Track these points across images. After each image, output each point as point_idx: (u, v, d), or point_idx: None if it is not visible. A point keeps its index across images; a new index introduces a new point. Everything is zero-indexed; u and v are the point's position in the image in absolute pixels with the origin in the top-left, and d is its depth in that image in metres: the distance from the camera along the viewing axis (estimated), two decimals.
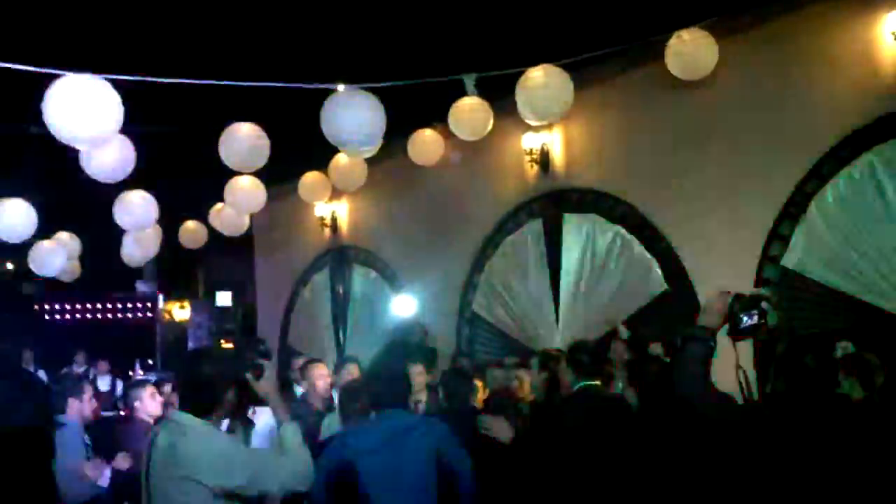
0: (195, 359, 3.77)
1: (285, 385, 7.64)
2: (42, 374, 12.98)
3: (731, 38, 7.38)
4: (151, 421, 5.77)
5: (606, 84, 8.58)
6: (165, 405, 6.21)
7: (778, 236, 7.33)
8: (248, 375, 3.49)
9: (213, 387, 3.44)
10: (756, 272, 7.40)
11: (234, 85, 6.28)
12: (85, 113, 5.49)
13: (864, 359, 4.98)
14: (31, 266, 10.71)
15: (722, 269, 7.48)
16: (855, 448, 3.14)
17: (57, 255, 10.76)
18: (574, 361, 5.44)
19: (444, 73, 7.05)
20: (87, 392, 5.72)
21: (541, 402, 6.38)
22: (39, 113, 5.61)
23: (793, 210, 7.25)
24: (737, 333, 3.54)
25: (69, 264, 11.47)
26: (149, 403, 5.84)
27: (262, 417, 5.23)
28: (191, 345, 14.47)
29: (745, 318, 3.50)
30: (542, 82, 6.95)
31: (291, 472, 3.42)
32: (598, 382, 5.50)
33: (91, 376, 13.60)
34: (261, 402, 3.74)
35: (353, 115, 6.28)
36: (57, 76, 5.56)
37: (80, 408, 5.58)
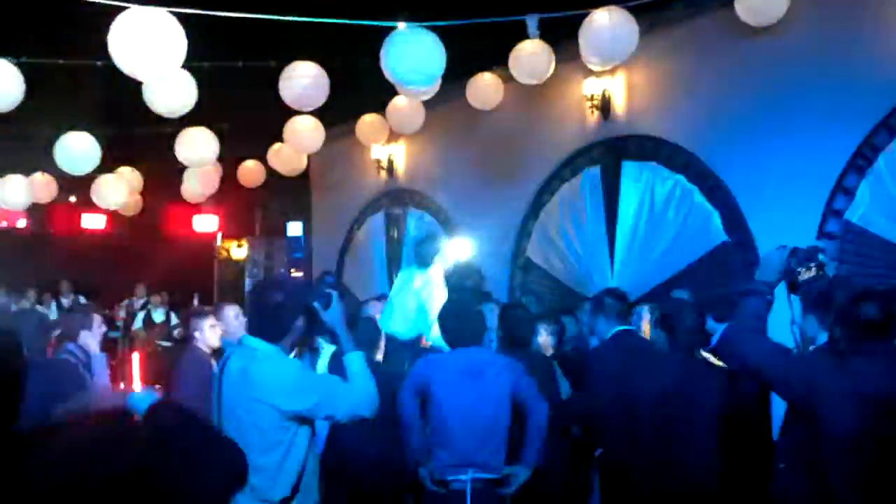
0: (267, 287, 3.85)
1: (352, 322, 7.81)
2: (81, 298, 13.42)
3: None
4: (209, 351, 5.90)
5: (673, 29, 8.39)
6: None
7: (843, 189, 7.16)
8: (317, 305, 3.53)
9: (283, 314, 3.51)
10: (819, 225, 7.25)
11: (295, 21, 6.26)
12: (149, 46, 5.55)
13: None
14: (94, 199, 10.95)
15: (784, 222, 7.33)
16: None
17: (119, 189, 10.98)
18: (607, 306, 5.48)
19: (506, 13, 6.95)
20: (96, 322, 5.83)
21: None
22: (104, 45, 5.68)
23: (860, 163, 7.06)
24: (795, 287, 3.52)
25: (131, 198, 11.71)
26: (209, 334, 5.95)
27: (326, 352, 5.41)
28: (248, 281, 14.67)
29: (802, 271, 3.47)
30: (606, 25, 6.82)
31: (357, 398, 3.48)
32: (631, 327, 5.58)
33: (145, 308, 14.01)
34: (328, 331, 3.83)
35: (414, 54, 6.25)
36: (122, 8, 5.61)
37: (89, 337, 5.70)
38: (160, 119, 7.74)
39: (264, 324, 3.53)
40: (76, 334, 5.54)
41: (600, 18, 6.86)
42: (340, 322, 3.59)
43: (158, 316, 13.94)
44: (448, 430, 4.73)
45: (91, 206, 12.51)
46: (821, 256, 3.52)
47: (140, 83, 6.52)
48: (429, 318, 6.28)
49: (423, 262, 6.78)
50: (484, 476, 4.65)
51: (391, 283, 12.35)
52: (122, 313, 14.00)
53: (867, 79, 7.01)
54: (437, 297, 6.46)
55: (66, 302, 14.31)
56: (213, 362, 5.58)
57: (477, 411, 4.70)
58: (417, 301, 6.56)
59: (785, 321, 3.76)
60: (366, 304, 7.38)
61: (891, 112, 6.88)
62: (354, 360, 3.56)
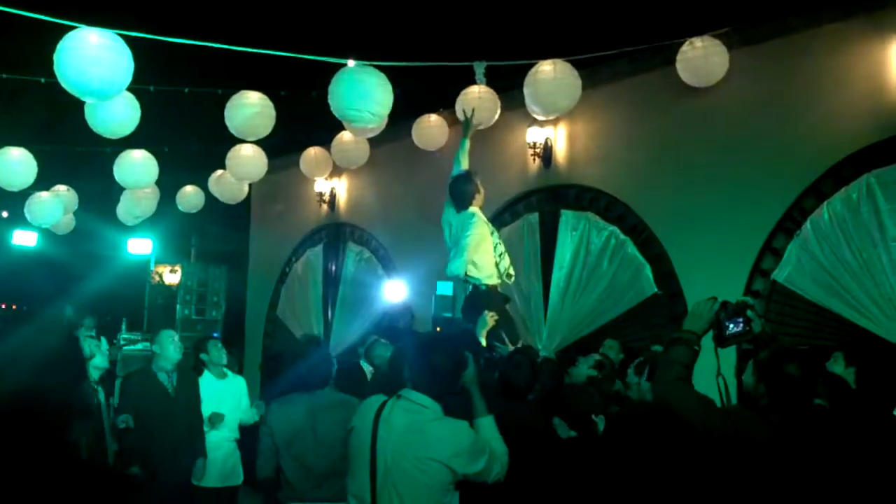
0: (439, 345, 3.82)
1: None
2: None
3: (743, 49, 7.43)
4: None
5: (615, 84, 8.60)
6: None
7: (771, 249, 7.38)
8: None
9: (454, 374, 3.59)
10: (746, 283, 7.45)
11: (245, 51, 6.29)
12: (96, 67, 5.51)
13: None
14: (28, 216, 10.74)
15: (713, 277, 7.51)
16: (829, 460, 3.19)
17: (53, 207, 10.78)
18: None
19: (455, 58, 7.07)
20: None
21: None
22: (47, 61, 5.63)
23: (788, 225, 7.29)
24: (722, 340, 3.60)
25: (64, 217, 11.50)
26: None
27: None
28: (178, 307, 14.45)
29: (730, 325, 3.56)
30: (551, 76, 6.99)
31: (503, 461, 3.54)
32: None
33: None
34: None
35: (362, 91, 6.31)
36: (70, 28, 5.57)
37: None
38: (100, 138, 7.65)
39: (434, 382, 3.56)
40: None
41: (545, 69, 7.03)
42: (475, 382, 3.65)
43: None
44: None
45: (23, 223, 12.25)
46: (749, 312, 3.61)
47: (82, 101, 6.46)
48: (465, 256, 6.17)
49: (460, 202, 6.49)
50: None
51: (326, 316, 12.33)
52: None
53: (799, 144, 7.27)
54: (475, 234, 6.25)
55: None
56: None
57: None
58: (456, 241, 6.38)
59: (711, 372, 3.85)
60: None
61: (820, 177, 7.13)
62: (488, 426, 3.60)
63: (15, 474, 2.20)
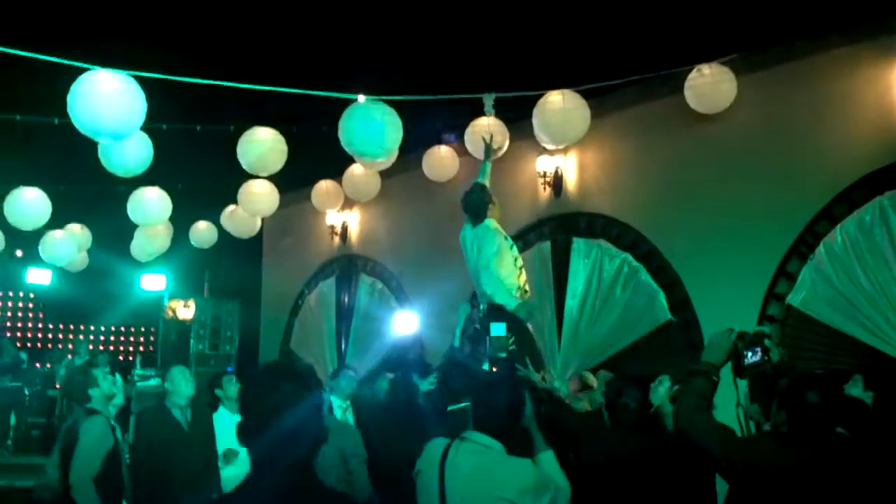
0: (501, 386, 3.88)
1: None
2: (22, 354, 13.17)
3: (751, 76, 7.46)
4: None
5: (623, 112, 8.64)
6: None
7: (785, 274, 7.36)
8: None
9: (517, 414, 3.64)
10: (760, 308, 7.42)
11: (255, 89, 6.34)
12: (109, 108, 5.58)
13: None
14: (41, 255, 10.80)
15: (727, 303, 7.50)
16: (854, 488, 3.16)
17: (67, 246, 10.85)
18: None
19: (464, 91, 7.12)
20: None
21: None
22: (60, 102, 5.70)
23: (802, 249, 7.28)
24: (741, 370, 3.60)
25: (78, 256, 11.57)
26: None
27: None
28: (192, 342, 14.47)
29: (748, 355, 3.55)
30: (559, 106, 7.04)
31: (566, 496, 3.58)
32: None
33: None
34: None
35: (372, 127, 6.35)
36: (84, 70, 5.64)
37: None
38: (113, 176, 7.72)
39: (499, 423, 3.59)
40: None
41: (554, 99, 7.07)
42: (533, 419, 3.72)
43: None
44: None
45: (37, 261, 12.32)
46: (766, 341, 3.61)
47: (96, 141, 6.52)
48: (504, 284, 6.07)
49: (474, 215, 6.33)
50: None
51: (339, 348, 12.34)
52: (62, 372, 13.66)
53: (810, 168, 7.28)
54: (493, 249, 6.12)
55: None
56: None
57: None
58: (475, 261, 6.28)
59: (731, 402, 3.85)
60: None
61: (832, 201, 7.13)
62: (549, 461, 3.66)
63: None
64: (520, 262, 6.32)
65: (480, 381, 4.27)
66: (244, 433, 2.35)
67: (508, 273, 6.17)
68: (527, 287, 6.38)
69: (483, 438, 3.56)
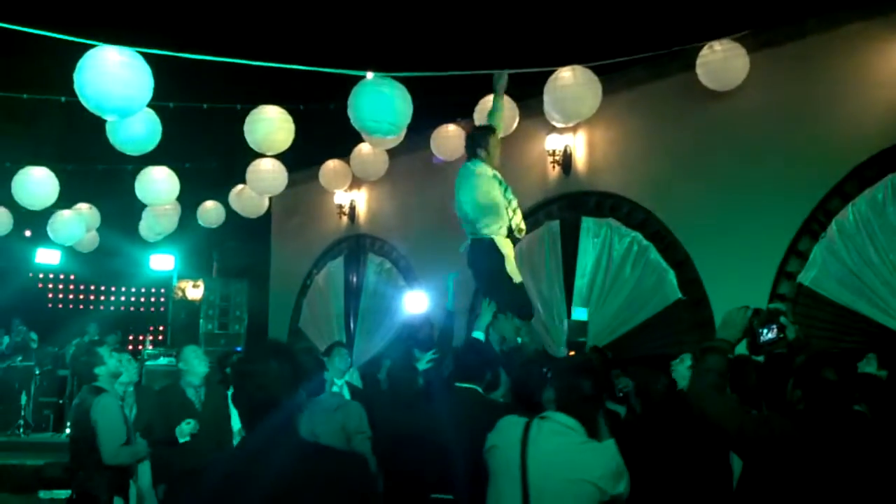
0: (581, 371, 3.90)
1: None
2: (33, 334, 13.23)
3: (763, 52, 7.38)
4: None
5: (633, 90, 8.57)
6: None
7: (796, 252, 7.32)
8: None
9: (595, 398, 3.72)
10: (771, 287, 7.38)
11: (263, 66, 6.30)
12: (116, 85, 5.55)
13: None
14: (50, 235, 10.81)
15: (738, 282, 7.46)
16: (867, 465, 3.14)
17: (76, 225, 10.85)
18: None
19: (473, 68, 7.07)
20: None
21: None
22: (67, 80, 5.66)
23: (813, 227, 7.23)
24: (756, 347, 3.57)
25: (87, 235, 11.57)
26: None
27: None
28: (202, 322, 14.49)
29: (764, 332, 3.52)
30: (570, 83, 6.97)
31: (628, 481, 3.59)
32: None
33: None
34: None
35: (381, 104, 6.31)
36: (90, 46, 5.60)
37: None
38: (121, 156, 7.69)
39: (577, 406, 3.64)
40: None
41: (565, 76, 7.01)
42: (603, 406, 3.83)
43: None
44: None
45: (46, 241, 12.33)
46: (782, 319, 3.58)
47: (103, 119, 6.49)
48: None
49: (468, 149, 6.31)
50: None
51: (348, 328, 12.34)
52: (71, 351, 13.70)
53: (821, 145, 7.22)
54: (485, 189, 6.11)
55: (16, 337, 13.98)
56: None
57: None
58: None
59: None
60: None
61: (844, 179, 7.07)
62: (614, 446, 3.66)
63: None
64: (514, 204, 6.24)
65: (566, 366, 4.35)
66: (234, 401, 2.65)
67: (494, 203, 6.11)
68: (522, 226, 6.35)
69: (566, 419, 3.60)
